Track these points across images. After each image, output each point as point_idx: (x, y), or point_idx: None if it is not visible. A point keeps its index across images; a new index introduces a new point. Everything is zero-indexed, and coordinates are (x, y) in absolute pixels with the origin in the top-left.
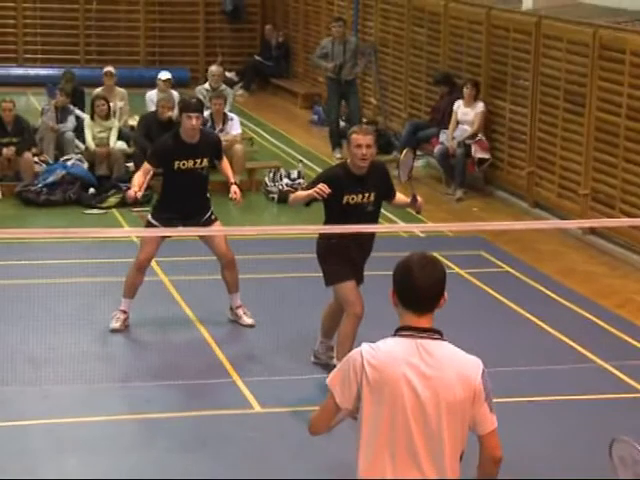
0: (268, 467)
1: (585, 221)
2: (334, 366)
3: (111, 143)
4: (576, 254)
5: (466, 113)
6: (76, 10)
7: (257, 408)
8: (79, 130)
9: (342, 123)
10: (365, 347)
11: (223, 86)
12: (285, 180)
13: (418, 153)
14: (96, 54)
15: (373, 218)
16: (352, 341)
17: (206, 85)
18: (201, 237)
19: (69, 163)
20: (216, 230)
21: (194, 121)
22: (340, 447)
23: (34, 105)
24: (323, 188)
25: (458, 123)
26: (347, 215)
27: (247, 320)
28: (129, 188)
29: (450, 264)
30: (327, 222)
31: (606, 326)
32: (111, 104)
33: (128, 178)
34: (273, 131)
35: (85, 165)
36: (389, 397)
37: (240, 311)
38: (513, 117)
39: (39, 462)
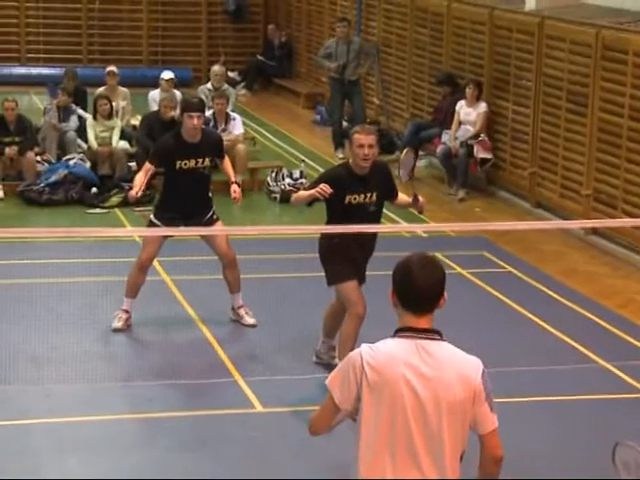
0: (269, 467)
1: (587, 221)
2: (336, 366)
3: (113, 143)
4: (578, 254)
5: (468, 113)
6: (79, 10)
7: (259, 408)
8: (81, 129)
9: (345, 123)
10: (365, 348)
11: (225, 86)
12: (287, 180)
13: (420, 153)
14: (99, 54)
15: (375, 218)
16: (354, 341)
17: (208, 85)
18: (203, 237)
19: (71, 162)
20: (218, 230)
21: (195, 121)
22: (341, 447)
23: (37, 104)
24: (325, 188)
25: (460, 123)
26: (349, 215)
27: (249, 320)
28: (131, 188)
29: (452, 264)
30: (329, 222)
31: (608, 326)
32: (114, 104)
33: (130, 178)
34: (275, 131)
35: (87, 165)
36: (389, 398)
37: (242, 311)
38: (516, 117)
39: (40, 461)
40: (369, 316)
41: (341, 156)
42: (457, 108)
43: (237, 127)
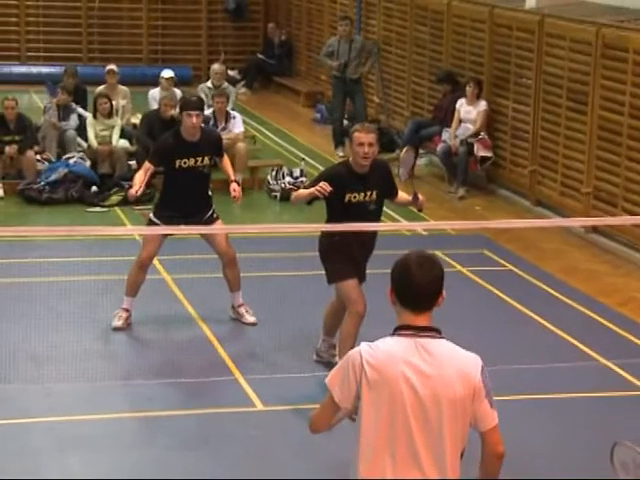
0: (270, 465)
1: (588, 219)
2: (336, 364)
3: (113, 141)
4: (579, 252)
5: (469, 111)
6: (79, 8)
7: (259, 406)
8: (81, 128)
9: (346, 122)
10: (364, 347)
11: (225, 84)
12: (287, 178)
13: (421, 151)
14: (99, 52)
15: (375, 216)
16: (354, 339)
17: (208, 83)
18: (202, 235)
19: (71, 161)
20: (218, 228)
21: (194, 119)
22: (342, 445)
23: (37, 103)
24: (325, 186)
25: (461, 121)
26: (349, 213)
27: (249, 318)
28: (131, 186)
29: (452, 262)
30: (329, 220)
31: (609, 324)
32: (114, 102)
33: (130, 176)
34: (276, 129)
35: (87, 163)
36: (389, 396)
37: (242, 309)
38: (516, 115)
39: (41, 460)
40: (369, 314)
41: (341, 154)
42: (457, 106)
43: (237, 126)
